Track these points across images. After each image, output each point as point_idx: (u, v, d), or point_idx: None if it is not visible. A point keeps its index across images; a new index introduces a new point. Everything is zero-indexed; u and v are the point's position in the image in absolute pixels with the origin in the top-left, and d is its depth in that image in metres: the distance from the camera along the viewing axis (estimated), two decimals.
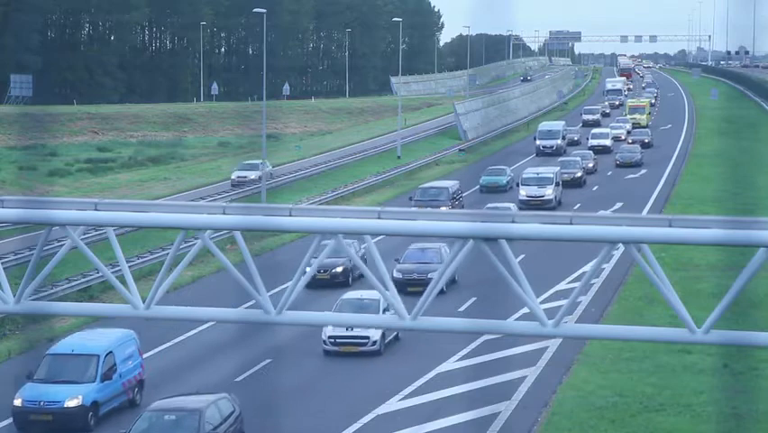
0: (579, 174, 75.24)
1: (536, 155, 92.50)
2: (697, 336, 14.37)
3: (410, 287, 41.04)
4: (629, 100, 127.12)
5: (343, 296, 38.57)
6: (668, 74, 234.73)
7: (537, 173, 67.45)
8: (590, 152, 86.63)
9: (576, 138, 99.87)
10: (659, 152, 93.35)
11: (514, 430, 29.14)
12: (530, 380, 33.01)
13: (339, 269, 45.77)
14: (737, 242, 13.93)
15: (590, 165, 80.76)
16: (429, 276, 39.44)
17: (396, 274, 43.51)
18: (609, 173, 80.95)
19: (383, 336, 36.46)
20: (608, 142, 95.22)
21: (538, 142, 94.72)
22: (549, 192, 65.18)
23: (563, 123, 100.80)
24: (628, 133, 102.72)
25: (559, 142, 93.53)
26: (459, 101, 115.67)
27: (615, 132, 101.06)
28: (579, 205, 65.14)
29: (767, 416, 29.32)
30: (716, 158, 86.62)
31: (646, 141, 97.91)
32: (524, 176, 67.37)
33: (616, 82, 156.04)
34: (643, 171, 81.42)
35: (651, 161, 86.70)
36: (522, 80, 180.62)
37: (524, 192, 65.40)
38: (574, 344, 35.32)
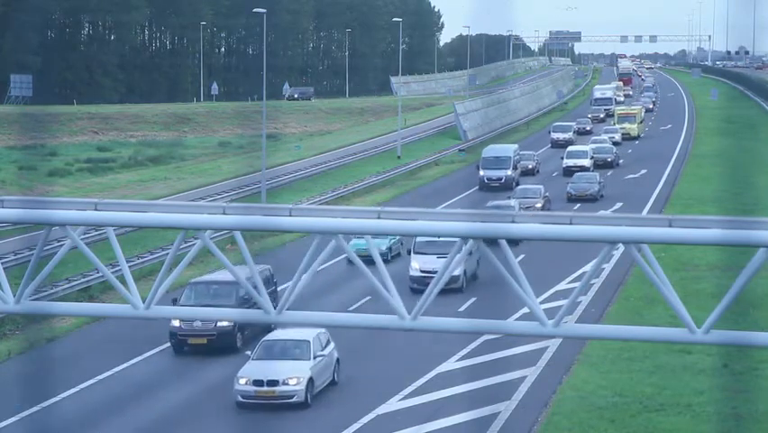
0: None
1: (479, 189, 72.76)
2: (697, 337, 14.37)
3: None
4: (618, 108, 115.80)
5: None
6: (668, 74, 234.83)
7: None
8: (541, 186, 64.99)
9: (531, 165, 79.53)
10: (658, 153, 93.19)
11: (514, 430, 29.14)
12: (530, 380, 32.99)
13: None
14: (737, 242, 13.93)
15: (538, 206, 60.05)
16: None
17: None
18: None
19: None
20: (586, 162, 77.70)
21: (482, 172, 73.39)
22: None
23: (515, 146, 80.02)
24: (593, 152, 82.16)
25: (509, 172, 72.90)
26: (459, 101, 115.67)
27: (597, 146, 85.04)
28: (578, 205, 65.05)
29: (767, 416, 29.32)
30: (716, 158, 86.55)
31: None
32: (417, 239, 43.64)
33: (605, 90, 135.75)
34: (643, 171, 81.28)
35: (651, 161, 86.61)
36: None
37: (416, 265, 43.81)
38: (574, 344, 35.31)
